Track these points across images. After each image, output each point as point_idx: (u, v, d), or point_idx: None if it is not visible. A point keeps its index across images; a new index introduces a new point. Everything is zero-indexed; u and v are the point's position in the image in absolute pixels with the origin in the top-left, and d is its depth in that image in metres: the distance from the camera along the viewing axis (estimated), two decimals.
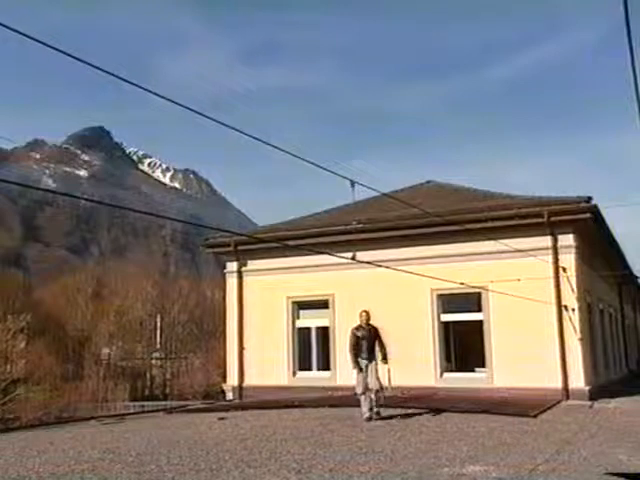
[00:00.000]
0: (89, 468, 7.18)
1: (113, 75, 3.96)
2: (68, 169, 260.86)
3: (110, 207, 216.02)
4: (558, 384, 14.87)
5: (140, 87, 4.13)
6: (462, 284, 12.88)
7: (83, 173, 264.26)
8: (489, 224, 14.99)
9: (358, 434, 9.48)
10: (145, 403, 40.43)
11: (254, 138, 5.15)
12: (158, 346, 56.68)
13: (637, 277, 27.03)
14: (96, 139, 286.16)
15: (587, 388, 14.93)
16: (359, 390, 11.09)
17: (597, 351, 17.86)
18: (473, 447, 8.35)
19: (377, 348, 11.36)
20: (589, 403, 14.04)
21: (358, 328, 11.44)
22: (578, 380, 14.94)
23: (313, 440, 9.06)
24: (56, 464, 7.49)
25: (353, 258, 9.83)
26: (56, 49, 3.71)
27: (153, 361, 55.83)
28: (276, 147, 5.41)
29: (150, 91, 4.20)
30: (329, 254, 11.94)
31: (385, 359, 11.34)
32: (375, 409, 11.05)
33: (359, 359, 11.22)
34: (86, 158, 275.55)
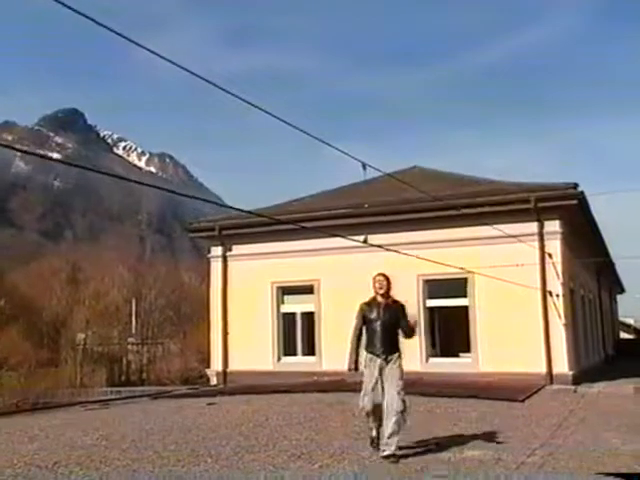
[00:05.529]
0: (85, 455, 7.05)
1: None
2: (41, 151, 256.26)
3: (84, 192, 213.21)
4: (542, 369, 15.04)
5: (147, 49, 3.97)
6: (450, 266, 12.86)
7: (56, 156, 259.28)
8: (478, 209, 15.00)
9: (352, 420, 9.42)
10: (122, 389, 40.17)
11: (262, 110, 5.02)
12: (134, 331, 56.29)
13: (614, 264, 27.50)
14: (70, 121, 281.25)
15: (571, 373, 15.14)
16: (368, 406, 6.87)
17: (579, 336, 18.10)
18: (468, 432, 8.38)
19: (400, 337, 7.13)
20: (573, 387, 14.22)
21: (371, 304, 7.18)
22: (562, 365, 15.13)
23: (308, 426, 9.03)
24: (50, 451, 7.35)
25: (365, 241, 9.45)
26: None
27: (129, 346, 55.44)
28: (288, 123, 5.26)
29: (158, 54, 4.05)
30: (341, 236, 11.26)
31: (410, 333, 7.17)
32: (390, 444, 6.67)
33: (369, 355, 6.95)
34: (59, 140, 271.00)
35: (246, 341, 18.19)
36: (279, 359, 18.08)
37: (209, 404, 12.00)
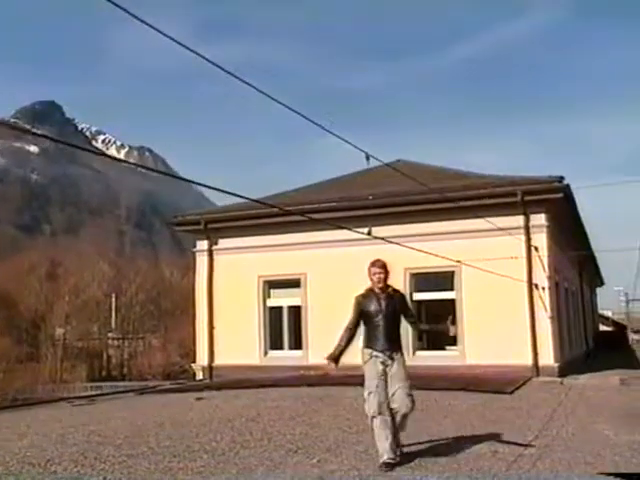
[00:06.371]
0: (78, 451, 6.94)
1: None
2: (18, 144, 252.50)
3: (62, 185, 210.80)
4: (528, 361, 15.15)
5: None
6: (446, 258, 12.86)
7: (34, 149, 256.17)
8: (468, 203, 14.98)
9: (343, 413, 9.42)
10: (103, 384, 39.83)
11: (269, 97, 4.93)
12: (114, 326, 55.82)
13: (596, 258, 27.79)
14: (47, 114, 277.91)
15: (556, 365, 15.26)
16: (373, 408, 6.09)
17: (563, 329, 18.26)
18: (461, 425, 8.39)
19: (407, 326, 6.70)
20: (559, 379, 14.34)
21: (368, 295, 6.44)
22: (548, 357, 15.25)
23: (300, 420, 8.97)
24: (42, 448, 7.21)
25: (369, 233, 9.26)
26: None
27: (110, 341, 54.98)
28: (291, 109, 5.17)
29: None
30: (346, 228, 11.13)
31: (417, 327, 7.24)
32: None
33: (370, 351, 6.24)
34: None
35: (232, 335, 18.07)
36: (266, 353, 18.00)
37: (197, 399, 11.88)
